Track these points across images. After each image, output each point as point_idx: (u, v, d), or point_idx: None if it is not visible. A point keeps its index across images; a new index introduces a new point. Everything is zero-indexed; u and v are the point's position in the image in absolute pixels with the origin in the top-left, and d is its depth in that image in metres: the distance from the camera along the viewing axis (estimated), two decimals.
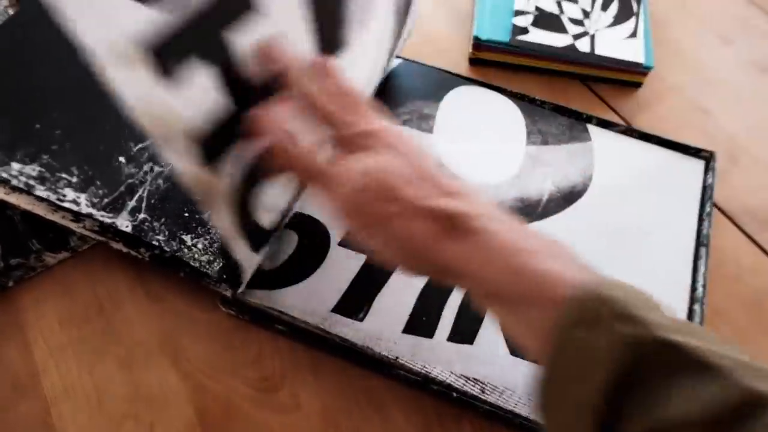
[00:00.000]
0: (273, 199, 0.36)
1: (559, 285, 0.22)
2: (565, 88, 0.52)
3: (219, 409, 0.35)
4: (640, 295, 0.21)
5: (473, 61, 0.53)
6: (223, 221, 0.32)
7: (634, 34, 0.51)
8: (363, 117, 0.28)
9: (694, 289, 0.39)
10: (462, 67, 0.53)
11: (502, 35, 0.51)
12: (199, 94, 0.26)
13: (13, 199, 0.37)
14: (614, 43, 0.50)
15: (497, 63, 0.52)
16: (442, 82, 0.49)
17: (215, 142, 0.28)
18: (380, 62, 0.43)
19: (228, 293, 0.37)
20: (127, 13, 0.22)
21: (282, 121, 0.28)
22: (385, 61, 0.44)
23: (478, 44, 0.51)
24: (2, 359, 0.36)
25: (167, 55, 0.24)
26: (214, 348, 0.38)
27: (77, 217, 0.37)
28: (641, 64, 0.50)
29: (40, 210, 0.37)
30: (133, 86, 0.24)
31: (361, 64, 0.39)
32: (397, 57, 0.50)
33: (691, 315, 0.38)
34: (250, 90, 0.29)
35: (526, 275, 0.22)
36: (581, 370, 0.20)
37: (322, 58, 0.31)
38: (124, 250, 0.37)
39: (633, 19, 0.52)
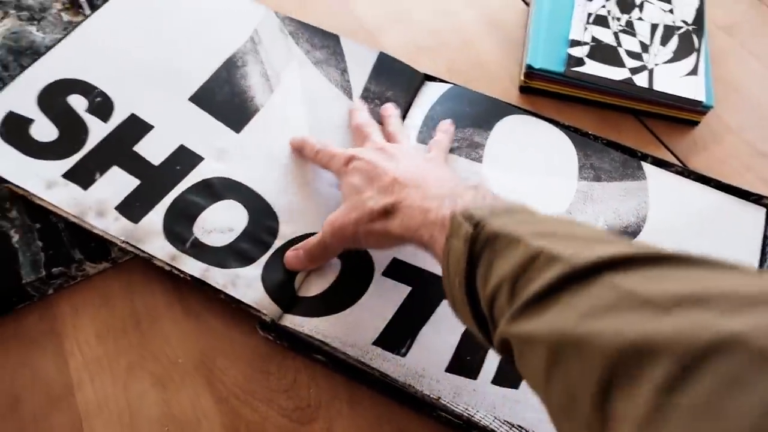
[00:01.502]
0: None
1: (445, 220, 0.30)
2: (617, 123, 0.51)
3: None
4: (505, 208, 0.29)
5: (524, 89, 0.52)
6: None
7: (694, 71, 0.49)
8: (348, 151, 0.39)
9: None
10: (512, 95, 0.52)
11: (556, 65, 0.49)
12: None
13: (62, 212, 0.37)
14: (673, 79, 0.49)
15: (548, 92, 0.51)
16: (493, 109, 0.47)
17: None
18: (327, 94, 0.46)
19: (267, 318, 0.36)
20: None
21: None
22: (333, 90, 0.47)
23: (531, 73, 0.50)
24: (39, 368, 0.36)
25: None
26: (250, 372, 0.37)
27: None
28: (701, 102, 0.48)
29: (87, 224, 0.37)
30: None
31: (286, 112, 0.44)
32: (445, 82, 0.49)
33: None
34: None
35: (427, 226, 0.31)
36: (454, 267, 0.28)
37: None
38: (167, 267, 0.37)
39: (694, 56, 0.50)
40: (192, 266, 0.36)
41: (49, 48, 0.46)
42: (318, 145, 0.41)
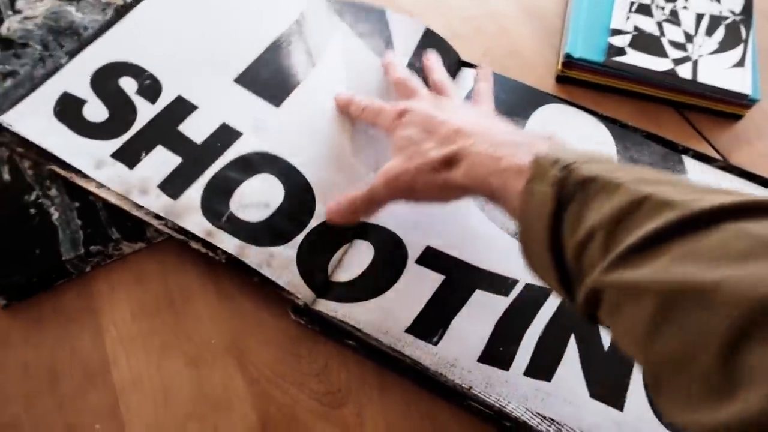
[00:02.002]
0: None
1: (523, 167, 0.28)
2: (657, 115, 0.49)
3: (282, 419, 0.35)
4: (589, 156, 0.27)
5: (561, 79, 0.51)
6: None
7: (741, 63, 0.48)
8: (397, 104, 0.38)
9: None
10: (548, 84, 0.51)
11: (596, 54, 0.48)
12: None
13: (103, 193, 0.38)
14: (719, 71, 0.47)
15: (586, 83, 0.50)
16: (531, 98, 0.47)
17: None
18: (368, 64, 0.46)
19: (300, 302, 0.36)
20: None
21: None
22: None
23: (570, 62, 0.49)
24: (77, 344, 0.37)
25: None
26: (281, 355, 0.37)
27: (159, 216, 0.37)
28: (747, 95, 0.46)
29: (126, 205, 0.37)
30: None
31: (327, 84, 0.44)
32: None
33: None
34: None
35: (499, 174, 0.30)
36: (537, 211, 0.26)
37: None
38: (202, 250, 0.37)
39: (741, 47, 0.49)
40: (227, 242, 0.36)
41: (87, 28, 0.47)
42: (364, 101, 0.40)
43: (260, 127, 0.41)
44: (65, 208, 0.39)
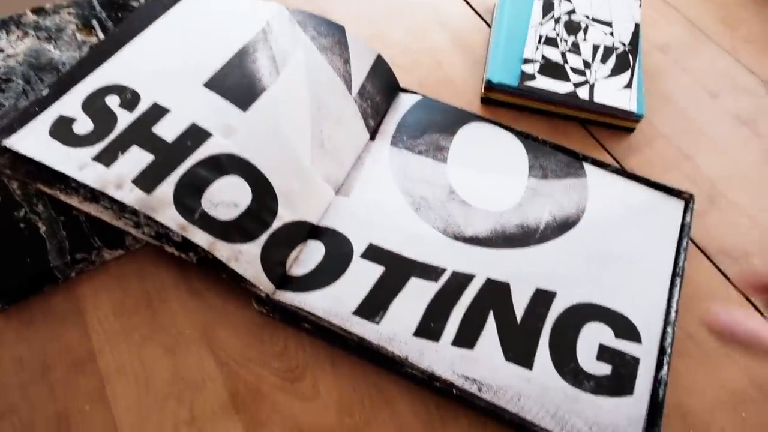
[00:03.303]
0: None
1: None
2: (565, 129, 0.58)
3: (249, 394, 0.41)
4: None
5: (485, 101, 0.59)
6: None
7: (629, 85, 0.57)
8: None
9: (668, 313, 0.44)
10: (475, 106, 0.59)
11: (511, 79, 0.57)
12: None
13: (85, 207, 0.43)
14: (611, 92, 0.56)
15: (506, 104, 0.59)
16: (457, 118, 0.55)
17: None
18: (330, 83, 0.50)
19: (263, 294, 0.42)
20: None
21: None
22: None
23: (490, 86, 0.57)
24: (65, 339, 0.42)
25: None
26: (247, 340, 0.43)
27: (137, 224, 0.43)
28: (633, 112, 0.56)
29: (106, 216, 0.43)
30: None
31: (291, 94, 0.48)
32: (416, 93, 0.56)
33: (664, 335, 0.43)
34: None
35: None
36: None
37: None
38: (176, 253, 0.43)
39: (629, 72, 0.58)
40: (200, 237, 0.41)
41: (65, 64, 0.52)
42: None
43: (229, 130, 0.45)
44: (51, 221, 0.44)
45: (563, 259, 0.47)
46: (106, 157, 0.43)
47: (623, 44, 0.61)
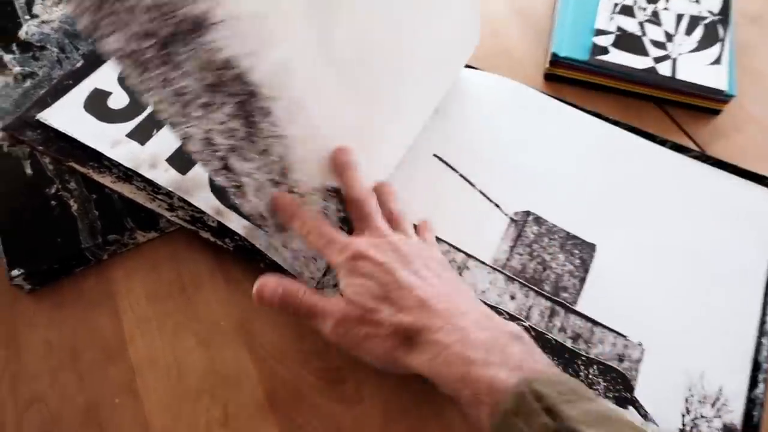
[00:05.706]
0: None
1: (497, 385, 0.27)
2: (639, 110, 0.52)
3: (287, 394, 0.38)
4: (567, 387, 0.27)
5: (548, 76, 0.53)
6: None
7: (718, 61, 0.50)
8: (350, 241, 0.34)
9: (763, 321, 0.39)
10: (536, 82, 0.54)
11: (581, 53, 0.51)
12: None
13: (118, 187, 0.40)
14: (697, 68, 0.50)
15: (573, 80, 0.53)
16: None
17: None
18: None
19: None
20: None
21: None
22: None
23: (556, 61, 0.52)
24: (95, 324, 0.40)
25: None
26: (285, 336, 0.40)
27: (171, 207, 0.40)
28: (723, 91, 0.49)
29: (139, 198, 0.40)
30: None
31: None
32: (471, 67, 0.51)
33: (758, 348, 0.38)
34: None
35: (470, 383, 0.28)
36: None
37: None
38: (211, 239, 0.40)
39: (718, 45, 0.51)
40: (236, 223, 0.38)
41: None
42: (311, 220, 0.35)
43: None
44: (83, 200, 0.42)
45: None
46: (141, 134, 0.41)
47: (711, 13, 0.54)
